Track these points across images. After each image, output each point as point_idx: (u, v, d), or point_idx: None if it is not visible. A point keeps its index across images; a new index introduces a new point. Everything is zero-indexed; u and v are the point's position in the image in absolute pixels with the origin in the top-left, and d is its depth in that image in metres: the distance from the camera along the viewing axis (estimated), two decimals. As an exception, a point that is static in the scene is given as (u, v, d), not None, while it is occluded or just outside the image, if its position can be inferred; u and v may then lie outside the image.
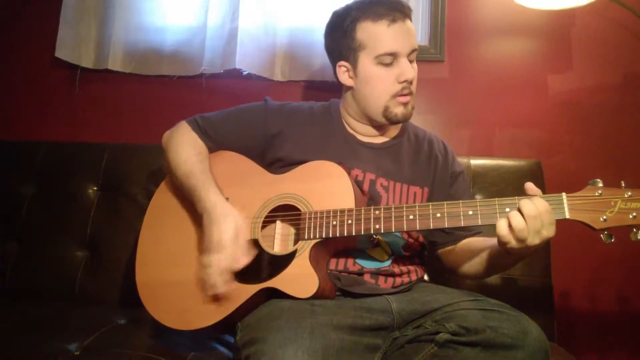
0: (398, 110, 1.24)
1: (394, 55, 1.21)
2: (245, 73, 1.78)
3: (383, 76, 1.22)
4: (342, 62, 1.28)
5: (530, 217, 0.95)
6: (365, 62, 1.23)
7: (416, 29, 1.84)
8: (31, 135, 1.89)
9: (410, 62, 1.24)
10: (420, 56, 1.78)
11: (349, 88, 1.30)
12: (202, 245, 1.12)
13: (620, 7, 1.61)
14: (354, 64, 1.26)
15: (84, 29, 1.85)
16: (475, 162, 1.64)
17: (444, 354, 1.00)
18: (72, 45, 1.84)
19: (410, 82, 1.23)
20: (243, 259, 1.09)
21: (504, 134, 1.80)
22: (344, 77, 1.29)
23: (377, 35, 1.21)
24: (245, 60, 1.75)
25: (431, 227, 1.05)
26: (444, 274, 1.34)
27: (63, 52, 1.83)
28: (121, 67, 1.85)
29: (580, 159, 1.76)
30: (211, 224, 1.10)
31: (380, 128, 1.32)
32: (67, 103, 1.91)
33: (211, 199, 1.14)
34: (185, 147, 1.26)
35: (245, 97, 1.83)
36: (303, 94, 1.85)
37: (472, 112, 1.82)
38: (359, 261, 1.19)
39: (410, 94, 1.24)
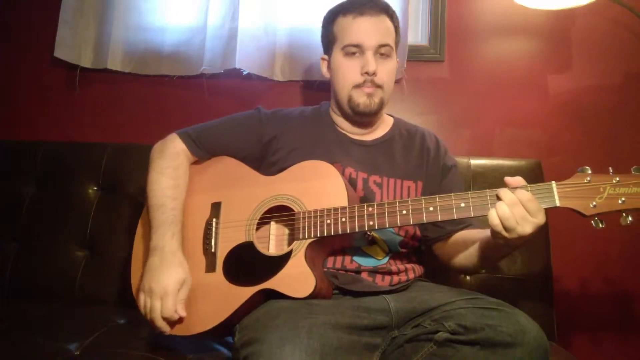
0: (360, 100, 1.27)
1: (358, 47, 1.25)
2: (245, 73, 1.78)
3: (348, 66, 1.27)
4: (323, 56, 1.36)
5: (510, 204, 0.97)
6: (336, 53, 1.30)
7: (416, 29, 1.86)
8: (31, 135, 1.89)
9: (382, 55, 1.26)
10: (420, 56, 1.81)
11: (329, 82, 1.35)
12: (143, 277, 1.13)
13: (620, 7, 1.61)
14: (330, 57, 1.33)
15: (83, 28, 1.85)
16: (475, 162, 1.63)
17: (443, 353, 1.00)
18: (72, 45, 1.84)
19: (373, 75, 1.24)
20: (180, 312, 1.11)
21: (504, 134, 1.80)
22: (324, 70, 1.37)
23: (345, 27, 1.27)
24: (245, 60, 1.75)
25: (425, 221, 1.06)
26: (442, 272, 1.34)
27: (62, 51, 1.83)
28: (121, 66, 1.85)
29: (580, 159, 1.74)
30: (161, 267, 1.12)
31: (366, 125, 1.33)
32: (67, 103, 1.91)
33: (173, 244, 1.15)
34: (165, 175, 1.25)
35: (245, 97, 1.85)
36: (302, 94, 1.85)
37: (472, 112, 1.82)
38: (356, 259, 1.19)
39: (375, 87, 1.26)
